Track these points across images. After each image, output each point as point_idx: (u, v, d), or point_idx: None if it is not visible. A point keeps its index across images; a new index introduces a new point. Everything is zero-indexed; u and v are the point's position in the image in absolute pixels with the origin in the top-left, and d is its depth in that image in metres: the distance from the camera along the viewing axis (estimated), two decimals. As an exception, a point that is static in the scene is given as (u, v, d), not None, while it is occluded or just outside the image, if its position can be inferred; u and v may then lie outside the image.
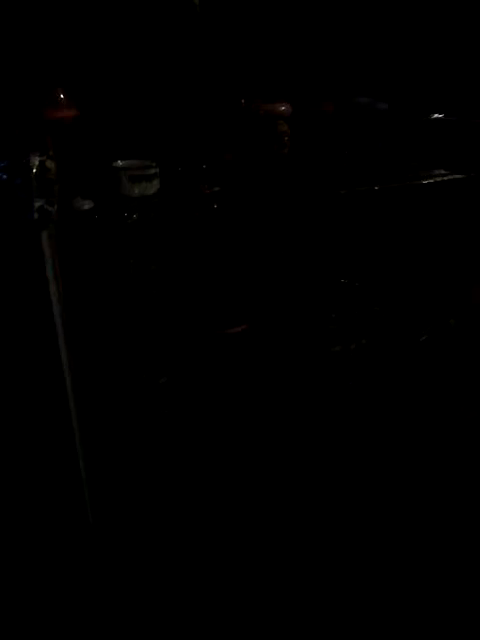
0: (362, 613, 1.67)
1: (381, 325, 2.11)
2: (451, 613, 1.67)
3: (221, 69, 2.12)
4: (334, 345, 2.00)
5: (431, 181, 2.00)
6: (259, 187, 2.01)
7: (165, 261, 1.80)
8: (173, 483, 1.82)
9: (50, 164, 1.33)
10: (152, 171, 1.89)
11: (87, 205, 1.79)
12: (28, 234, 1.35)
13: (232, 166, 2.00)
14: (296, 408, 1.93)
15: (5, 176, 1.34)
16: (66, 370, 1.40)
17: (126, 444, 1.82)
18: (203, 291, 1.83)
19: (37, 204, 1.33)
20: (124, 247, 1.78)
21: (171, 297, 1.80)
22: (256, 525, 1.79)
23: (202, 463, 1.87)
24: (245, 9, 2.16)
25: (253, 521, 1.79)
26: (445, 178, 2.02)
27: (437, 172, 2.04)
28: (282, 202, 1.97)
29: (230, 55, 2.14)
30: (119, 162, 1.90)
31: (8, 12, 1.65)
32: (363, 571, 1.72)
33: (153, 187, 1.89)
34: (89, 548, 1.72)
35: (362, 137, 2.06)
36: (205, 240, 1.84)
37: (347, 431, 2.01)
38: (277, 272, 1.90)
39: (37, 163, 1.29)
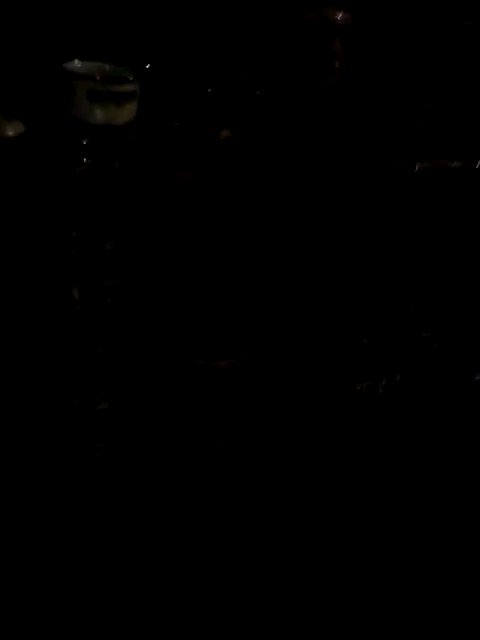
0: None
1: (426, 357, 1.49)
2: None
3: None
4: (359, 381, 1.37)
5: None
6: (284, 136, 1.31)
7: (127, 240, 1.12)
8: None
9: None
10: (128, 87, 1.17)
11: (12, 130, 1.09)
12: None
13: (256, 96, 1.30)
14: (298, 472, 1.31)
15: None
16: None
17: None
18: (184, 297, 1.16)
19: None
20: (64, 208, 1.10)
21: (129, 298, 1.14)
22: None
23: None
24: None
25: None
26: None
27: None
28: (311, 167, 1.28)
29: None
30: (76, 63, 1.18)
31: None
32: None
33: (126, 114, 1.17)
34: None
35: (456, 79, 1.35)
36: (195, 215, 1.16)
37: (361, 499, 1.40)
38: (295, 278, 1.24)
39: None
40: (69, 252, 1.08)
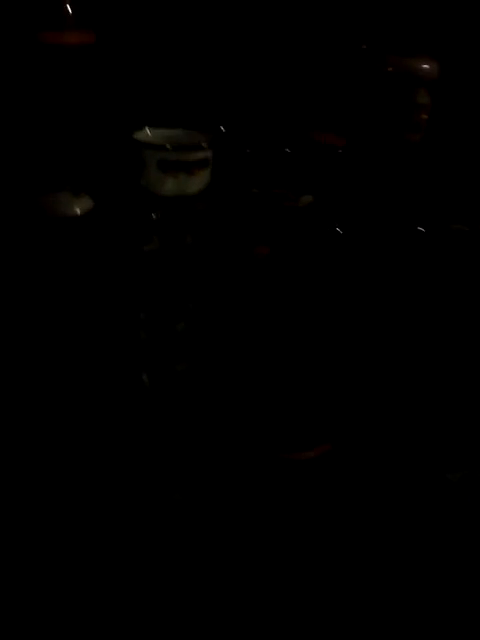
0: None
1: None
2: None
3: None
4: (452, 470, 1.24)
5: None
6: (369, 199, 1.22)
7: (199, 321, 1.04)
8: None
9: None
10: (200, 154, 1.10)
11: (80, 208, 1.03)
12: None
13: (337, 156, 1.21)
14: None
15: None
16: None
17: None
18: (258, 382, 1.07)
19: None
20: (133, 288, 1.03)
21: (202, 380, 1.05)
22: None
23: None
24: None
25: None
26: None
27: None
28: (400, 235, 1.18)
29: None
30: (146, 131, 1.11)
31: None
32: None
33: (198, 182, 1.10)
34: None
35: None
36: (271, 295, 1.07)
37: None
38: (385, 363, 1.13)
39: None
40: (138, 335, 1.01)
